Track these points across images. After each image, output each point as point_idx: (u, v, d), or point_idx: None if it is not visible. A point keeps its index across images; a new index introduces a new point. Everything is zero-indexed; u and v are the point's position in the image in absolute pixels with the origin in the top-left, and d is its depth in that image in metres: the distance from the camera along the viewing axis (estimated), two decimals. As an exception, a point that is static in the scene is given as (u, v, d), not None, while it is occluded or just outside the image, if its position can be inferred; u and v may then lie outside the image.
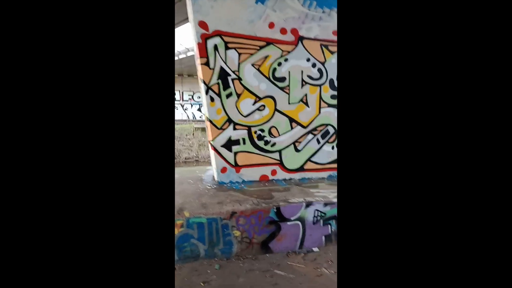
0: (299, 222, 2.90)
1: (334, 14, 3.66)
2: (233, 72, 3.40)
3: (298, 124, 3.75)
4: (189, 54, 15.44)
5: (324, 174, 3.95)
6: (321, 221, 2.97)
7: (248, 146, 3.59)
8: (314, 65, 3.69)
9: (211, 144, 3.50)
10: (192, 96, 23.74)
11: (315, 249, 2.93)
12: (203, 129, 15.35)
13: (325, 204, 2.98)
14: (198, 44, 3.23)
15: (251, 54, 3.44)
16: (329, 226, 3.02)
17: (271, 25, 3.46)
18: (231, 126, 3.49)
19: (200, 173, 4.27)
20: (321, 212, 2.96)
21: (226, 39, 3.32)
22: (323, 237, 2.99)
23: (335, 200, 3.03)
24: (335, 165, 3.97)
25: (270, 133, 3.65)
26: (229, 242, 2.71)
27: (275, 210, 2.80)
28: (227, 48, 3.34)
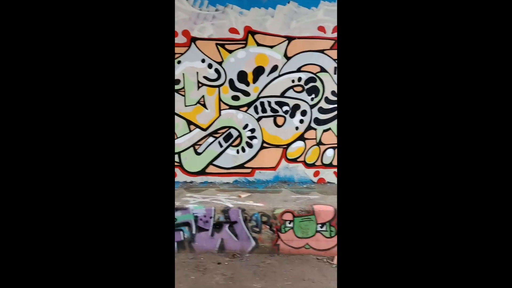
0: (146, 225, 2.88)
1: (229, 10, 3.47)
2: (127, 77, 3.56)
3: (197, 126, 3.67)
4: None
5: (230, 179, 3.75)
6: (172, 226, 2.88)
7: (146, 148, 3.69)
8: (210, 66, 3.57)
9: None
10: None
11: (164, 255, 2.86)
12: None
13: (176, 209, 2.88)
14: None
15: (143, 59, 3.54)
16: (182, 232, 2.90)
17: (161, 29, 3.50)
18: (128, 128, 3.65)
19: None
20: (171, 217, 2.87)
21: (118, 46, 3.50)
22: (175, 243, 2.90)
23: (188, 206, 2.90)
24: (241, 170, 3.73)
25: (167, 136, 3.68)
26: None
27: (120, 211, 2.85)
28: (119, 55, 3.52)
